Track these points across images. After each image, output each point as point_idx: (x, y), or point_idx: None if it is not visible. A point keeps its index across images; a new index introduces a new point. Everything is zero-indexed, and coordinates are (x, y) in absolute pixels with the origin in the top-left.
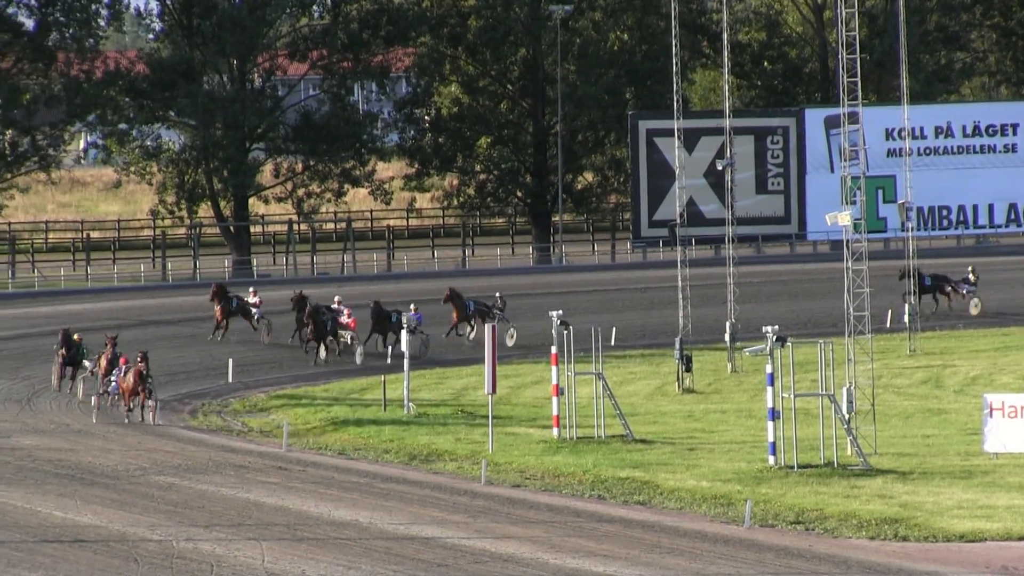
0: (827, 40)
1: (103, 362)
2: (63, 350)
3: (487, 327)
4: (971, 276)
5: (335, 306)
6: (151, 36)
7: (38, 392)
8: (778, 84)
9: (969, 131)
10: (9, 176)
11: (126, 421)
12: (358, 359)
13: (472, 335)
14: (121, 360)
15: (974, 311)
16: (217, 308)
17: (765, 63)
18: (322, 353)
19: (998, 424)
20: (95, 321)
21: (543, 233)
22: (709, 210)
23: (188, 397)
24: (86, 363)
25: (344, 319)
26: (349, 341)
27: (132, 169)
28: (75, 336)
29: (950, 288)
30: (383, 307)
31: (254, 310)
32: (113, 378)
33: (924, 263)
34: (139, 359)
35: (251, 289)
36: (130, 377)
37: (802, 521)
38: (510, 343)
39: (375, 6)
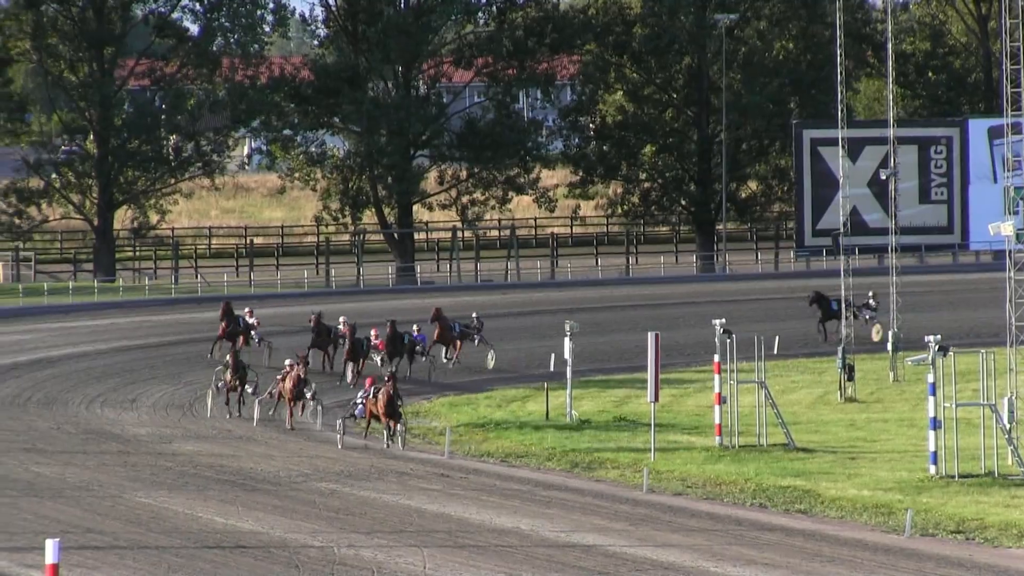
0: (991, 50)
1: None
2: (223, 323)
3: (651, 336)
4: (871, 301)
5: (342, 328)
6: (316, 42)
7: (200, 398)
8: (942, 94)
9: None
10: (173, 181)
11: (289, 427)
12: (490, 363)
13: (454, 358)
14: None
15: (875, 337)
16: (222, 324)
17: (929, 73)
18: (348, 376)
19: None
20: (259, 328)
21: (707, 241)
22: (872, 219)
23: (350, 403)
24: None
25: (373, 340)
26: (379, 363)
27: (296, 175)
28: (248, 312)
29: (851, 313)
30: (397, 329)
31: (252, 332)
32: (359, 401)
33: (833, 286)
34: (387, 379)
35: (247, 309)
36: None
37: (962, 531)
38: (490, 365)
39: (540, 13)
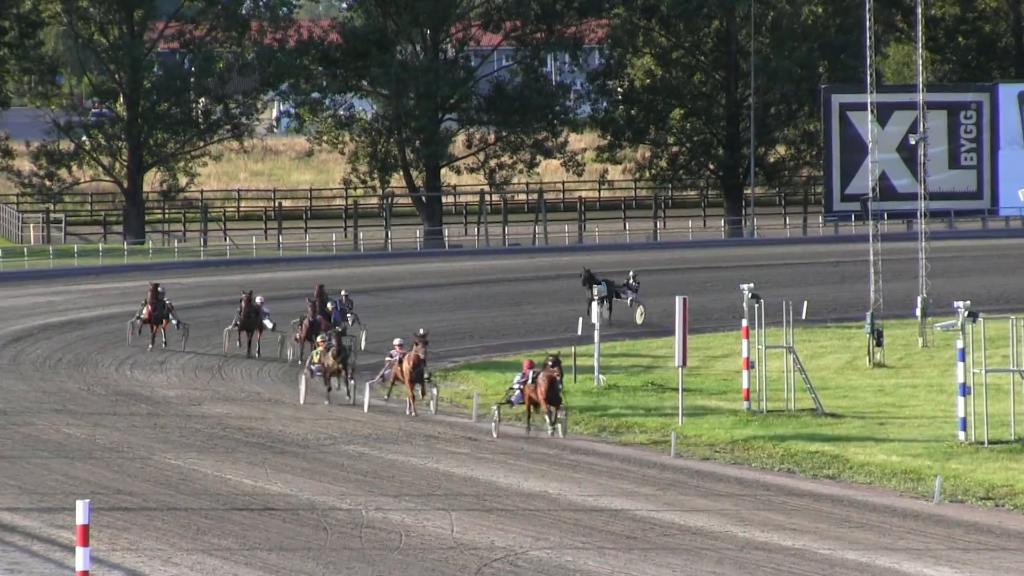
0: (1022, 15)
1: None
2: (149, 307)
3: (678, 300)
4: (632, 281)
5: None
6: (344, 5)
7: (229, 360)
8: (971, 59)
9: None
10: (202, 144)
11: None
12: (639, 319)
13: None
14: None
15: (639, 319)
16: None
17: (959, 37)
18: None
19: None
20: (285, 290)
21: (735, 206)
22: (901, 184)
23: (379, 367)
24: (267, 323)
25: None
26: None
27: (324, 138)
28: (256, 299)
29: (615, 293)
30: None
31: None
32: (516, 386)
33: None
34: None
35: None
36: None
37: (992, 497)
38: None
39: None
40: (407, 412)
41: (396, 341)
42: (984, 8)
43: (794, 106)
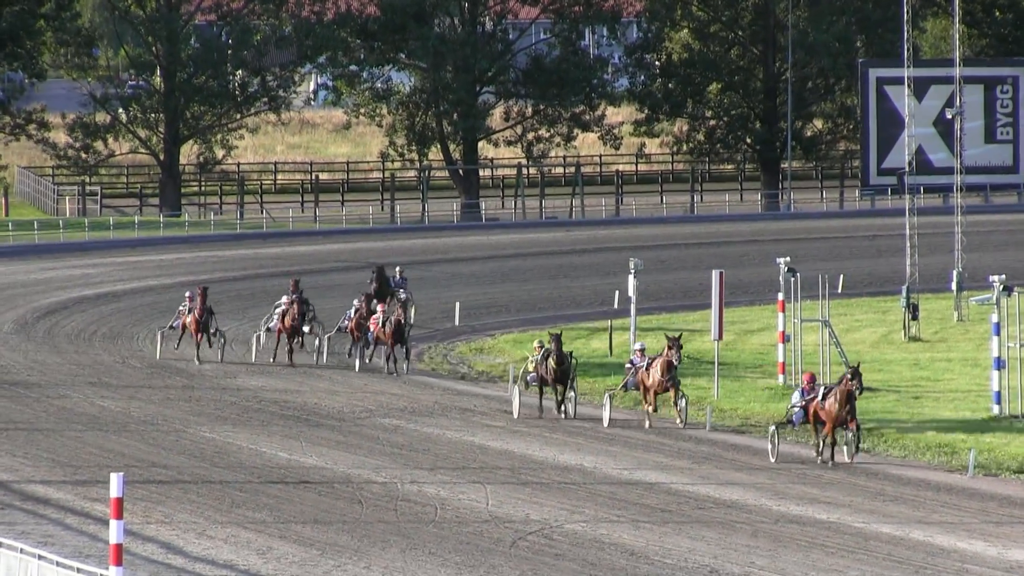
0: None
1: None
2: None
3: (715, 274)
4: (399, 276)
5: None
6: None
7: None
8: (1008, 33)
9: None
10: (239, 117)
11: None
12: None
13: None
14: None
15: (411, 318)
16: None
17: (996, 12)
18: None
19: None
20: (323, 263)
21: (772, 180)
22: (938, 159)
23: (415, 340)
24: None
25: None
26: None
27: (362, 111)
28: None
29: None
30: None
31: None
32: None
33: None
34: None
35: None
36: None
37: None
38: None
39: None
40: (646, 425)
41: (637, 346)
42: None
43: (831, 80)
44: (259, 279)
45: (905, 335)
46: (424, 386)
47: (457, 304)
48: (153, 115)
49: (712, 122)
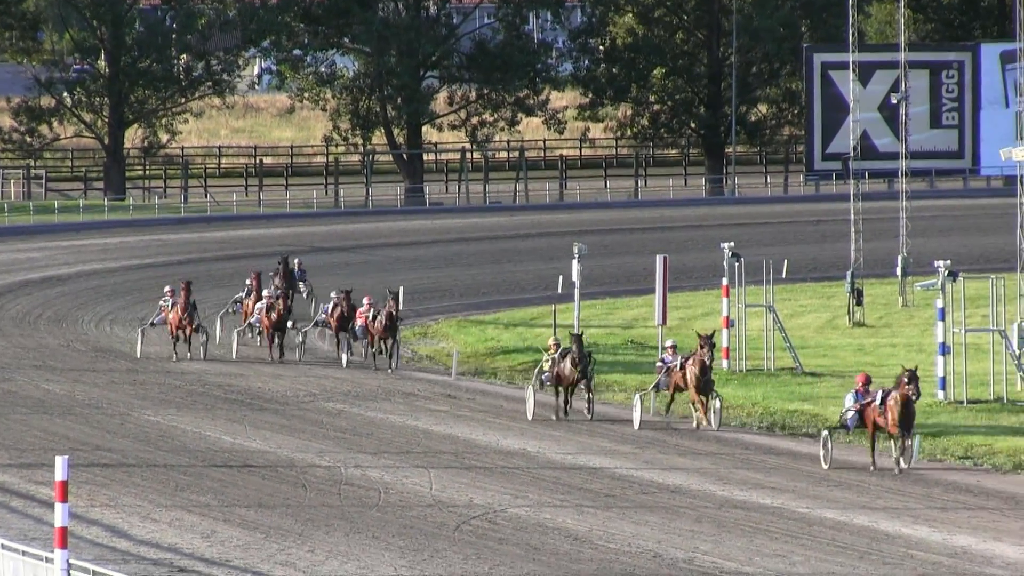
0: None
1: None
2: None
3: (659, 259)
4: (296, 266)
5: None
6: None
7: (208, 317)
8: (954, 18)
9: None
10: (183, 101)
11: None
12: None
13: None
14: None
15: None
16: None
17: None
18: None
19: None
20: (267, 247)
21: (716, 165)
22: (883, 144)
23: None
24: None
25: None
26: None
27: (306, 95)
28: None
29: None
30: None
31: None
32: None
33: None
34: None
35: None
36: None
37: (970, 456)
38: None
39: None
40: (694, 426)
41: (669, 343)
42: None
43: (776, 65)
44: (203, 263)
45: (850, 320)
46: (367, 370)
47: (401, 288)
48: (98, 99)
49: (656, 107)
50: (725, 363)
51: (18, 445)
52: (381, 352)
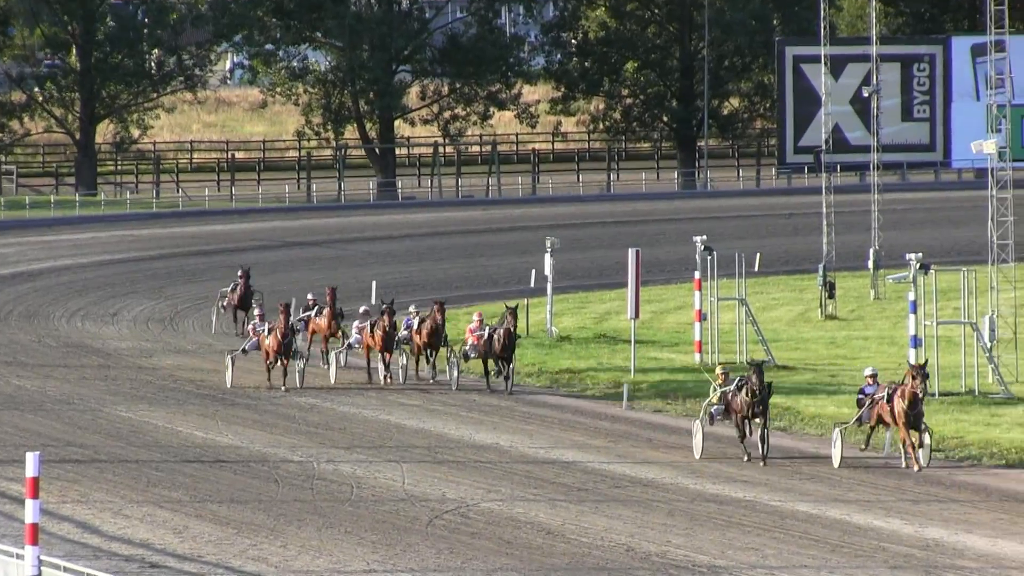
0: None
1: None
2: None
3: (631, 252)
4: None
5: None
6: None
7: (181, 312)
8: (925, 12)
9: None
10: (155, 95)
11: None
12: None
13: None
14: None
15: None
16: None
17: None
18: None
19: None
20: (239, 242)
21: (688, 158)
22: (854, 137)
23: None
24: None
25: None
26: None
27: (278, 90)
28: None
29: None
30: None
31: None
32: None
33: None
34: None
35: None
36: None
37: (942, 449)
38: None
39: None
40: (903, 466)
41: (868, 372)
42: None
43: (748, 58)
44: (175, 258)
45: (822, 313)
46: (340, 367)
47: (373, 283)
48: (69, 94)
49: (628, 100)
50: (698, 356)
51: None
52: (426, 365)
